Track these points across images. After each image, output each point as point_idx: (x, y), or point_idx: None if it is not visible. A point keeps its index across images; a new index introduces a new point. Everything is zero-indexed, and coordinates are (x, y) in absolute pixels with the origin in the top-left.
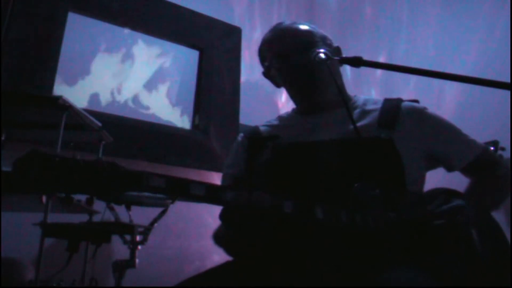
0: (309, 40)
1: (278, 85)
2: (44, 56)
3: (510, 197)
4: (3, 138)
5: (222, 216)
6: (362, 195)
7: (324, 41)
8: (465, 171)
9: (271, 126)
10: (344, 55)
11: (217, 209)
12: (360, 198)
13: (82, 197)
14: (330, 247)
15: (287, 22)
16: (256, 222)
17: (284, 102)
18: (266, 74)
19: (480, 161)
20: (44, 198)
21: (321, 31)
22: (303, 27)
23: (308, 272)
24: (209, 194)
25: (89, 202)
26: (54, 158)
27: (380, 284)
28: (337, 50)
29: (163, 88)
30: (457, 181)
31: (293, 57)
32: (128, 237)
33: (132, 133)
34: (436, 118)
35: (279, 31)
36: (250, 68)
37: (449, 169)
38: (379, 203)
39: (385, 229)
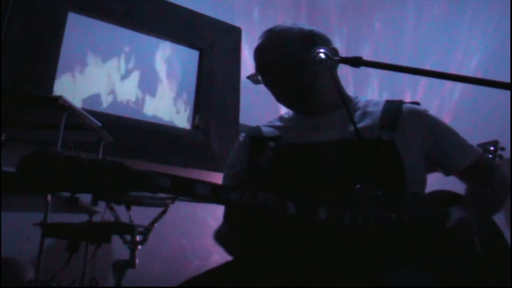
0: (287, 52)
1: None
2: (44, 56)
3: (510, 197)
4: (3, 138)
5: (226, 216)
6: (363, 196)
7: (304, 44)
8: (461, 175)
9: (273, 127)
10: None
11: (217, 209)
12: (361, 199)
13: (84, 197)
14: (332, 247)
15: (277, 28)
16: (259, 222)
17: None
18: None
19: (476, 166)
20: (49, 197)
21: (316, 32)
22: (285, 35)
23: (310, 272)
24: (214, 194)
25: (94, 202)
26: (59, 158)
27: (382, 284)
28: (335, 51)
29: (163, 88)
30: (458, 182)
31: (270, 72)
32: (128, 237)
33: (132, 133)
34: (436, 121)
35: (260, 43)
36: (250, 68)
37: (446, 172)
38: (381, 204)
39: (386, 229)
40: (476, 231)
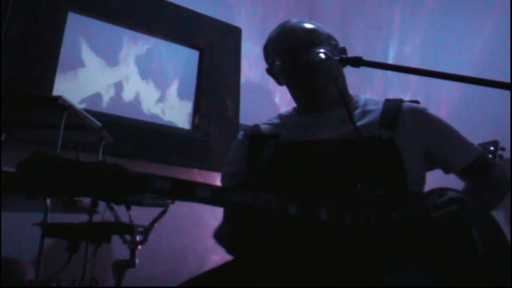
0: (314, 39)
1: (280, 83)
2: (44, 56)
3: (510, 197)
4: (3, 138)
5: (226, 216)
6: (365, 195)
7: (329, 41)
8: (461, 173)
9: (272, 125)
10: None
11: (217, 209)
12: (363, 198)
13: (85, 198)
14: (333, 248)
15: (294, 20)
16: (260, 223)
17: (283, 102)
18: (269, 71)
19: (476, 164)
20: (48, 200)
21: (327, 30)
22: (309, 25)
23: (310, 273)
24: (214, 196)
25: (94, 204)
26: (57, 161)
27: (383, 285)
28: (343, 50)
29: (163, 88)
30: (458, 182)
31: (297, 55)
32: (128, 237)
33: (132, 133)
34: (437, 120)
35: (284, 29)
36: (250, 68)
37: (446, 171)
38: (382, 203)
39: (387, 230)
40: (473, 214)
